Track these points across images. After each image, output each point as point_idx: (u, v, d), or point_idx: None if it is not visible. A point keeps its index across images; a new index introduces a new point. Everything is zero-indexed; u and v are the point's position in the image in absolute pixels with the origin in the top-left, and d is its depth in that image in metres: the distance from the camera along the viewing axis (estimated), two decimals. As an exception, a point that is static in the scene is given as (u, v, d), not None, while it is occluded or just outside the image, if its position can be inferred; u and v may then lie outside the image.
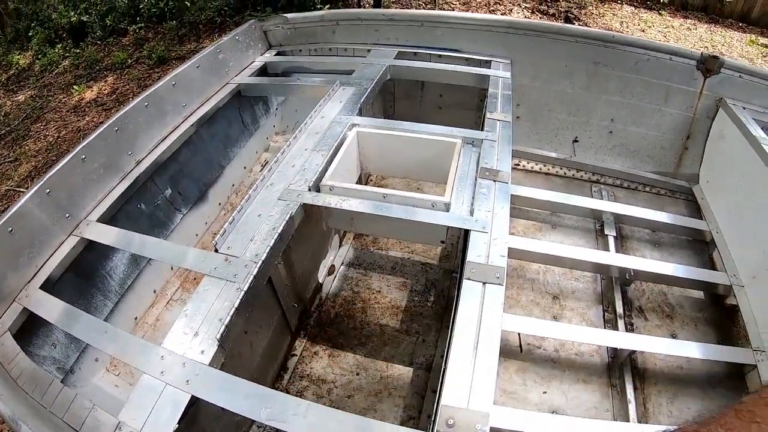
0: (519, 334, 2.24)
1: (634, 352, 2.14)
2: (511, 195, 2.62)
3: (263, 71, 3.13)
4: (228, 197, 3.06)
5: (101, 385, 2.16)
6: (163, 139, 2.53)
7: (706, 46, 8.22)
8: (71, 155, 2.10)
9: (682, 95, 2.93)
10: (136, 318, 2.43)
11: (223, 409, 1.25)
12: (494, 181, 1.91)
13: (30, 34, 10.02)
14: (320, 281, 2.49)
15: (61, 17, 9.50)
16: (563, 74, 3.05)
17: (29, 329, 1.85)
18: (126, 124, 2.34)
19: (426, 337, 2.27)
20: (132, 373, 2.26)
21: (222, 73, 2.90)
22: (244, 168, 3.20)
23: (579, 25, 8.04)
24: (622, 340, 1.99)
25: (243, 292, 1.51)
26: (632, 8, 9.70)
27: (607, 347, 2.24)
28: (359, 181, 2.38)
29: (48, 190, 1.98)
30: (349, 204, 1.80)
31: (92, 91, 7.36)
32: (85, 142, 2.15)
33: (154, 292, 2.56)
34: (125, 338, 1.54)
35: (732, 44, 8.61)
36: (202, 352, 1.38)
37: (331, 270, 2.57)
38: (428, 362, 2.17)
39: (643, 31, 8.66)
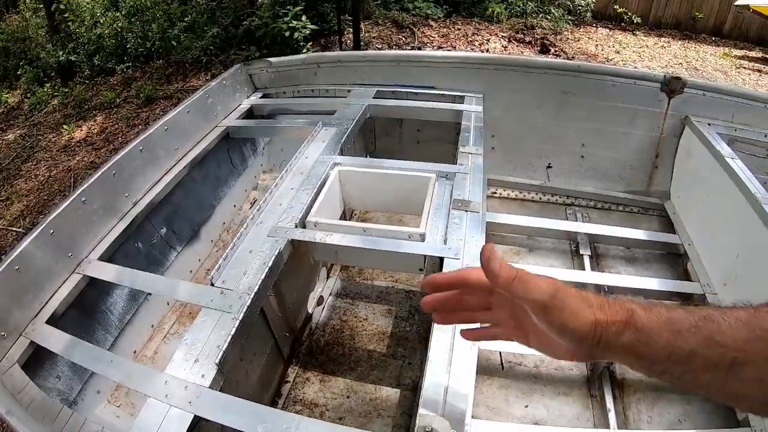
0: (500, 352, 2.37)
1: (612, 363, 2.25)
2: (488, 222, 2.82)
3: (250, 113, 3.29)
4: (219, 234, 3.20)
5: (103, 415, 2.26)
6: (157, 181, 2.67)
7: (680, 63, 8.48)
8: (72, 197, 2.22)
9: (648, 116, 3.09)
10: (135, 351, 2.54)
11: (223, 427, 1.39)
12: (466, 211, 2.05)
13: (18, 72, 10.19)
14: (310, 312, 2.63)
15: (49, 56, 9.69)
16: (534, 105, 3.22)
17: (35, 362, 1.96)
18: (122, 167, 2.47)
19: (411, 359, 2.40)
20: (133, 404, 2.37)
21: (211, 117, 3.05)
22: (234, 206, 3.35)
23: (555, 51, 8.29)
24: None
25: (238, 321, 1.65)
26: (607, 30, 10.00)
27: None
28: (343, 217, 2.53)
29: (51, 231, 2.10)
30: (333, 238, 1.94)
31: (82, 130, 7.49)
32: (86, 185, 2.29)
33: (152, 326, 2.67)
34: (129, 366, 1.67)
35: (706, 58, 8.89)
36: (203, 375, 1.51)
37: (320, 301, 2.71)
38: (414, 383, 2.30)
39: (617, 52, 8.91)
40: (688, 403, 2.18)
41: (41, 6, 13.93)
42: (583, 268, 2.81)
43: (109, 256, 2.31)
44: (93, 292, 2.29)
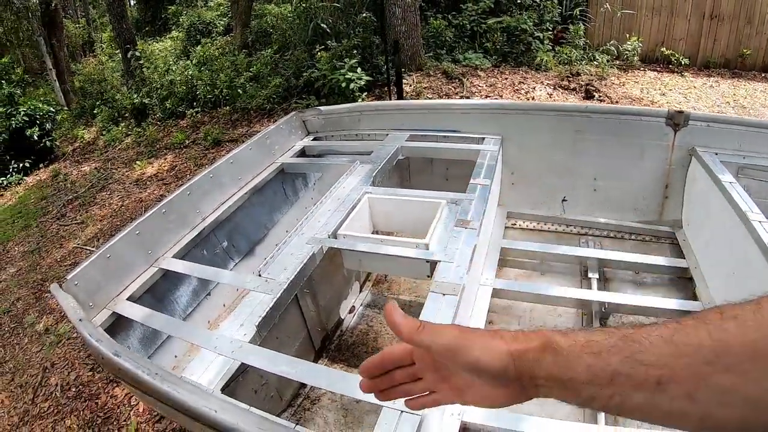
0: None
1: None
2: (504, 248, 3.20)
3: (302, 153, 3.85)
4: (272, 253, 3.70)
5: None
6: (223, 203, 3.23)
7: (728, 101, 8.36)
8: (156, 208, 2.82)
9: (657, 149, 3.29)
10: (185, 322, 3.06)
11: (260, 376, 1.87)
12: (465, 228, 2.47)
13: (95, 111, 11.11)
14: (342, 317, 3.11)
15: (124, 98, 10.53)
16: (549, 144, 3.52)
17: (112, 332, 2.44)
18: (195, 189, 3.06)
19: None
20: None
21: (269, 154, 3.62)
22: (286, 231, 3.84)
23: (599, 96, 8.41)
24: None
25: (276, 297, 2.18)
26: (655, 73, 9.89)
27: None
28: (369, 235, 3.04)
29: (137, 231, 2.69)
30: (357, 246, 2.46)
31: (153, 166, 8.15)
32: (167, 200, 2.89)
33: (209, 322, 3.17)
34: (191, 329, 2.28)
35: (755, 95, 8.73)
36: (244, 334, 2.03)
37: (351, 310, 3.18)
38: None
39: (663, 94, 8.73)
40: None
41: (116, 51, 15.14)
42: (590, 288, 3.06)
43: (181, 257, 2.87)
44: (165, 284, 2.86)
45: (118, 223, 6.68)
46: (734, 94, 8.81)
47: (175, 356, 2.84)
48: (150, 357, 2.73)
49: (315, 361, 2.86)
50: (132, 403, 3.48)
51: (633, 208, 3.54)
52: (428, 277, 2.44)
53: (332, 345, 2.96)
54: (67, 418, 3.64)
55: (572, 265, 3.33)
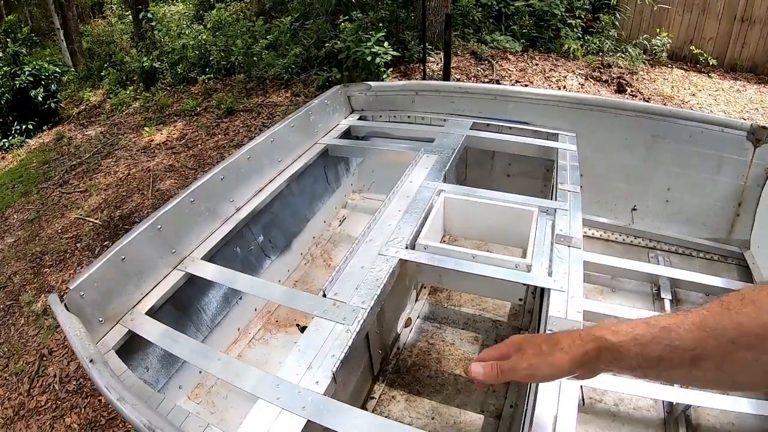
0: (581, 387, 2.39)
1: (689, 407, 2.25)
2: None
3: (347, 133, 3.42)
4: (309, 248, 3.32)
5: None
6: (260, 190, 2.81)
7: (756, 108, 8.30)
8: (182, 197, 2.36)
9: (733, 164, 3.07)
10: (220, 352, 2.66)
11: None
12: (569, 246, 2.10)
13: (102, 74, 10.70)
14: (398, 332, 2.70)
15: (133, 61, 10.17)
16: (623, 146, 3.24)
17: (128, 351, 2.07)
18: (230, 173, 2.62)
19: (495, 387, 2.44)
20: (213, 402, 2.47)
21: (312, 133, 3.20)
22: (324, 222, 3.47)
23: (631, 91, 8.22)
24: (677, 395, 2.12)
25: (355, 333, 1.72)
26: (682, 72, 9.83)
27: (663, 402, 2.35)
28: (441, 242, 2.61)
29: (159, 226, 2.22)
30: (441, 261, 2.02)
31: (162, 134, 7.78)
32: (195, 186, 2.43)
33: (239, 330, 2.78)
34: (236, 365, 1.74)
35: None
36: (317, 382, 1.57)
37: (408, 322, 2.77)
38: (498, 411, 2.33)
39: (693, 94, 8.75)
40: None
41: (127, 13, 14.68)
42: (663, 311, 2.77)
43: (209, 257, 2.43)
44: (191, 290, 2.42)
45: (124, 193, 6.33)
46: (762, 101, 8.81)
47: (188, 398, 2.44)
48: (172, 377, 2.35)
49: (372, 387, 2.46)
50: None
51: (702, 224, 3.31)
52: (520, 301, 2.07)
53: (390, 366, 2.56)
54: (67, 416, 3.30)
55: (644, 283, 3.04)
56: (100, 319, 1.98)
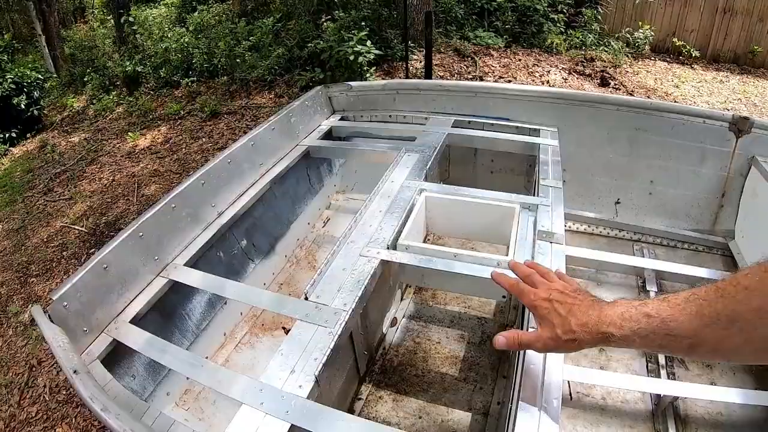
0: (569, 382, 2.40)
1: (676, 398, 2.26)
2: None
3: (328, 134, 3.41)
4: (293, 251, 3.30)
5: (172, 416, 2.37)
6: (242, 194, 2.79)
7: (739, 98, 8.39)
8: (163, 203, 2.33)
9: (716, 155, 3.10)
10: (207, 357, 2.61)
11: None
12: (550, 242, 2.11)
13: (85, 79, 10.57)
14: (384, 332, 2.69)
15: (116, 66, 10.06)
16: (606, 140, 3.25)
17: (114, 360, 2.04)
18: (210, 178, 2.59)
19: (483, 385, 2.44)
20: (202, 408, 2.45)
21: (293, 135, 3.18)
22: (308, 224, 3.46)
23: (615, 84, 8.25)
24: (664, 387, 2.13)
25: (336, 336, 1.71)
26: (665, 64, 9.91)
27: (650, 394, 2.35)
28: (424, 241, 2.60)
29: (141, 234, 2.20)
30: (423, 261, 2.02)
31: (146, 138, 7.72)
32: (176, 192, 2.40)
33: (224, 334, 2.76)
34: (219, 371, 1.73)
35: (765, 93, 8.80)
36: (300, 386, 1.56)
37: (394, 322, 2.76)
38: (485, 408, 2.33)
39: (676, 86, 8.82)
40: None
41: (109, 17, 14.54)
42: None
43: (193, 263, 2.41)
44: (175, 297, 2.40)
45: (109, 200, 6.28)
46: (744, 91, 8.96)
47: (176, 404, 2.43)
48: (159, 384, 2.33)
49: (358, 388, 2.45)
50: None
51: (686, 216, 3.35)
52: (504, 298, 2.08)
53: (376, 366, 2.55)
54: (59, 426, 3.28)
55: (629, 276, 3.05)
56: (85, 329, 1.95)
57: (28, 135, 9.23)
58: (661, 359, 2.51)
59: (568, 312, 1.08)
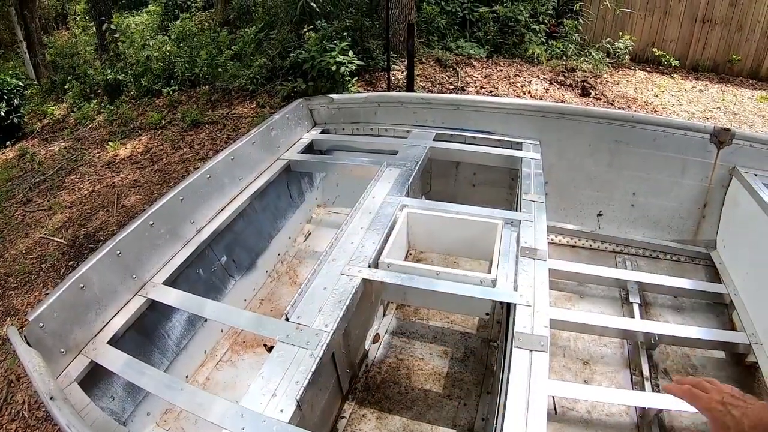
0: (553, 396, 2.39)
1: (660, 411, 2.28)
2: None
3: (309, 147, 3.38)
4: (274, 266, 3.27)
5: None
6: (221, 210, 2.76)
7: (718, 107, 8.43)
8: (141, 220, 2.30)
9: (697, 167, 3.13)
10: (187, 376, 2.58)
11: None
12: (533, 258, 2.10)
13: (66, 87, 10.40)
14: (366, 349, 2.66)
15: (97, 74, 9.87)
16: (587, 153, 3.27)
17: (92, 381, 2.01)
18: (189, 193, 2.57)
19: (467, 401, 2.42)
20: (182, 428, 2.41)
21: (273, 149, 3.16)
22: (289, 238, 3.43)
23: (595, 94, 8.28)
24: (649, 399, 2.14)
25: (318, 359, 1.69)
26: (645, 73, 9.97)
27: (635, 407, 2.36)
28: (406, 257, 2.58)
29: (118, 252, 2.17)
30: (405, 280, 2.00)
31: (126, 148, 7.59)
32: (154, 209, 2.37)
33: (205, 352, 2.72)
34: (199, 394, 1.70)
35: (744, 102, 8.80)
36: (282, 410, 1.54)
37: (376, 338, 2.74)
38: (470, 425, 2.31)
39: (656, 95, 8.85)
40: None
41: (90, 24, 14.38)
42: (632, 315, 2.82)
43: (171, 281, 2.37)
44: (153, 316, 2.36)
45: (89, 211, 6.17)
46: (723, 99, 8.97)
47: (157, 424, 2.38)
48: (139, 405, 2.28)
49: (341, 407, 2.41)
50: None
51: (668, 227, 3.38)
52: (487, 315, 2.06)
53: (359, 384, 2.52)
54: (38, 443, 3.19)
55: (611, 288, 3.07)
56: (62, 350, 1.92)
57: (8, 143, 9.05)
58: (645, 371, 2.52)
59: (742, 414, 1.07)
